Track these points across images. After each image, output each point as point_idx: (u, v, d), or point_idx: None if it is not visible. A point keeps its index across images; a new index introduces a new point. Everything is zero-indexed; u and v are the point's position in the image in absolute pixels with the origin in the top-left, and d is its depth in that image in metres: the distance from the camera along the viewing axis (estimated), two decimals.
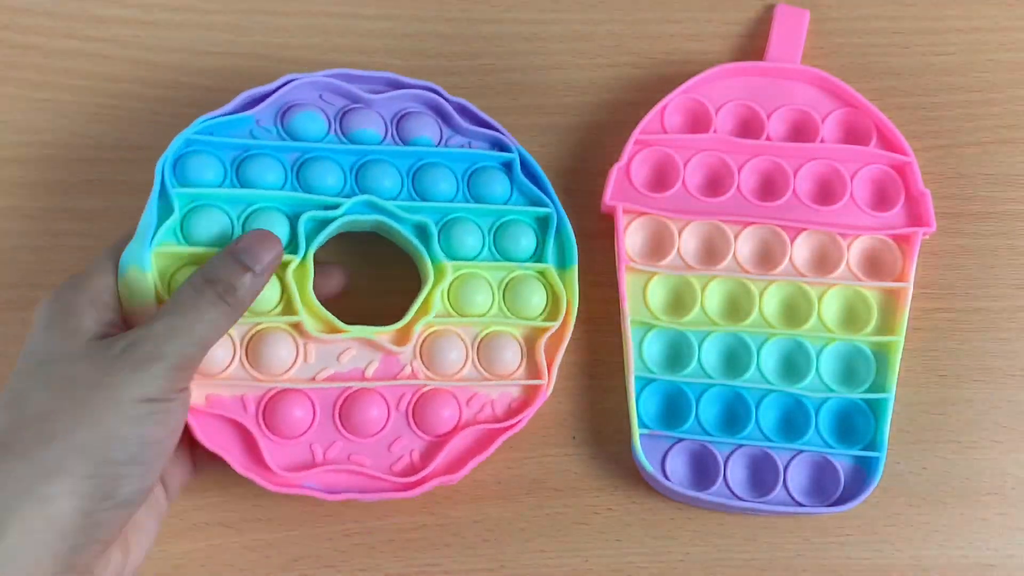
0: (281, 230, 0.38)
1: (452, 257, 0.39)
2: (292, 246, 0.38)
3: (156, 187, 0.37)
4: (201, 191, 0.38)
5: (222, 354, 0.37)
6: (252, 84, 0.44)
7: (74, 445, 0.30)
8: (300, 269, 0.38)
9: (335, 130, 0.40)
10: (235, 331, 0.37)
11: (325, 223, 0.38)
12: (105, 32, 0.44)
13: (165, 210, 0.37)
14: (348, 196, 0.39)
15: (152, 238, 0.36)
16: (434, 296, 0.39)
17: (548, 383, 0.38)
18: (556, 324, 0.39)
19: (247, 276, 0.34)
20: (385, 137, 0.40)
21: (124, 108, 0.44)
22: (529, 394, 0.39)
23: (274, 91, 0.39)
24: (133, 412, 0.31)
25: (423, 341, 0.39)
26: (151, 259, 0.36)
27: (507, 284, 0.40)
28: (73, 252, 0.42)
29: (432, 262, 0.39)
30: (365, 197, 0.39)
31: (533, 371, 0.39)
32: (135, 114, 0.43)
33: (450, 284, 0.39)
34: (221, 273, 0.34)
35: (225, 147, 0.39)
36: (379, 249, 0.41)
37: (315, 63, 0.44)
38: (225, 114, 0.39)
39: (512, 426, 0.38)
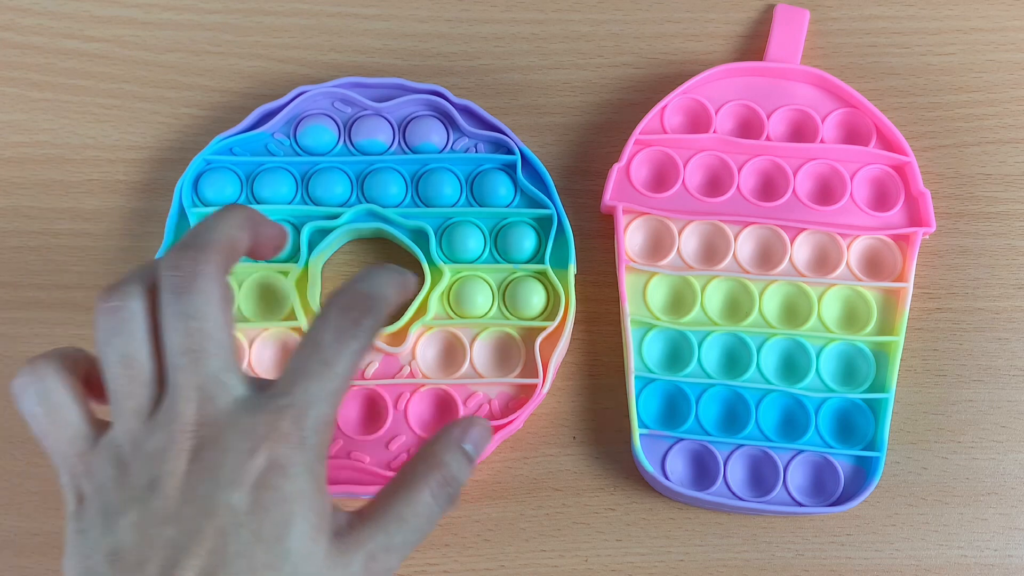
0: (288, 242, 0.39)
1: (453, 260, 0.40)
2: (295, 255, 0.40)
3: (175, 207, 0.40)
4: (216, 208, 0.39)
5: None
6: (252, 84, 0.44)
7: None
8: (301, 277, 0.40)
9: (344, 139, 0.41)
10: (244, 336, 0.39)
11: (326, 232, 0.40)
12: (105, 32, 0.44)
13: (183, 228, 0.40)
14: (354, 205, 0.40)
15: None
16: (431, 299, 0.39)
17: (544, 382, 0.38)
18: (553, 324, 0.39)
19: (470, 470, 0.32)
20: (392, 143, 0.41)
21: (124, 108, 0.44)
22: (526, 393, 0.39)
23: (286, 104, 0.41)
24: None
25: (421, 342, 0.39)
26: None
27: (507, 285, 0.40)
28: (73, 252, 0.42)
29: (429, 265, 0.40)
30: (365, 206, 0.40)
31: (530, 370, 0.39)
32: (135, 114, 0.43)
33: (450, 287, 0.40)
34: (460, 476, 0.31)
35: (242, 163, 0.40)
36: (391, 252, 0.42)
37: (315, 63, 0.44)
38: (242, 131, 0.41)
39: (507, 424, 0.38)
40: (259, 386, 0.30)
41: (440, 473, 0.31)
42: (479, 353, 0.39)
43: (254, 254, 0.33)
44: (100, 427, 0.30)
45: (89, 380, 0.31)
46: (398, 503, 0.30)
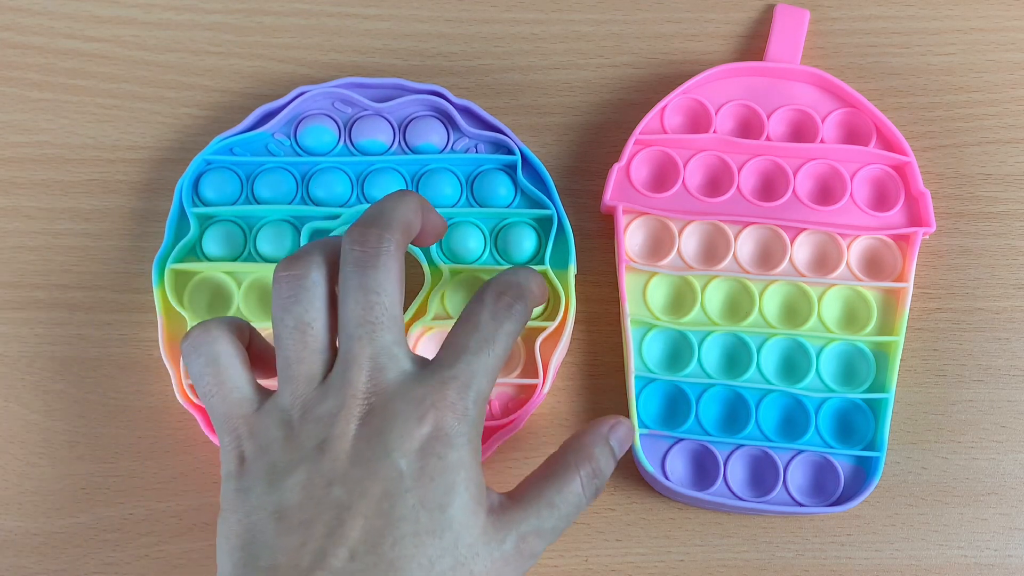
0: (288, 242, 0.40)
1: (453, 261, 0.40)
2: None
3: (175, 206, 0.40)
4: (217, 209, 0.40)
5: None
6: (252, 84, 0.44)
7: None
8: None
9: (344, 139, 0.41)
10: None
11: (326, 232, 0.40)
12: (105, 32, 0.44)
13: (183, 228, 0.40)
14: (354, 205, 0.40)
15: (168, 255, 0.40)
16: (431, 299, 0.39)
17: (544, 382, 0.38)
18: (553, 324, 0.39)
19: (614, 466, 0.34)
20: (392, 144, 0.41)
21: (124, 108, 0.44)
22: (527, 394, 0.39)
23: (286, 105, 0.41)
24: None
25: (421, 342, 0.39)
26: (166, 275, 0.39)
27: None
28: (73, 252, 0.42)
29: (429, 266, 0.40)
30: (365, 206, 0.40)
31: (530, 371, 0.39)
32: (135, 114, 0.43)
33: (449, 287, 0.40)
34: (606, 471, 0.33)
35: (242, 163, 0.40)
36: None
37: (315, 63, 0.44)
38: (242, 131, 0.41)
39: (507, 424, 0.38)
40: (422, 363, 0.31)
41: (590, 465, 0.32)
42: None
43: (418, 241, 0.34)
44: (263, 394, 0.31)
45: (250, 350, 0.33)
46: (549, 490, 0.32)
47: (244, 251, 0.40)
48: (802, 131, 0.42)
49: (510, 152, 0.41)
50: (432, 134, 0.41)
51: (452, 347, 0.31)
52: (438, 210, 0.40)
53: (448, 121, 0.41)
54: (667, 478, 0.38)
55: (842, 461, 0.39)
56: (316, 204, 0.40)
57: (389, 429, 0.29)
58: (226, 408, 0.31)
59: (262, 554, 0.28)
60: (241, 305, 0.39)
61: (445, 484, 0.29)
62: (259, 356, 0.33)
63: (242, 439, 0.30)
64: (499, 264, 0.40)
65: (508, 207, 0.41)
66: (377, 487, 0.29)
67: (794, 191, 0.41)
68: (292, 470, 0.29)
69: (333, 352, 0.31)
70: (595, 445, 0.33)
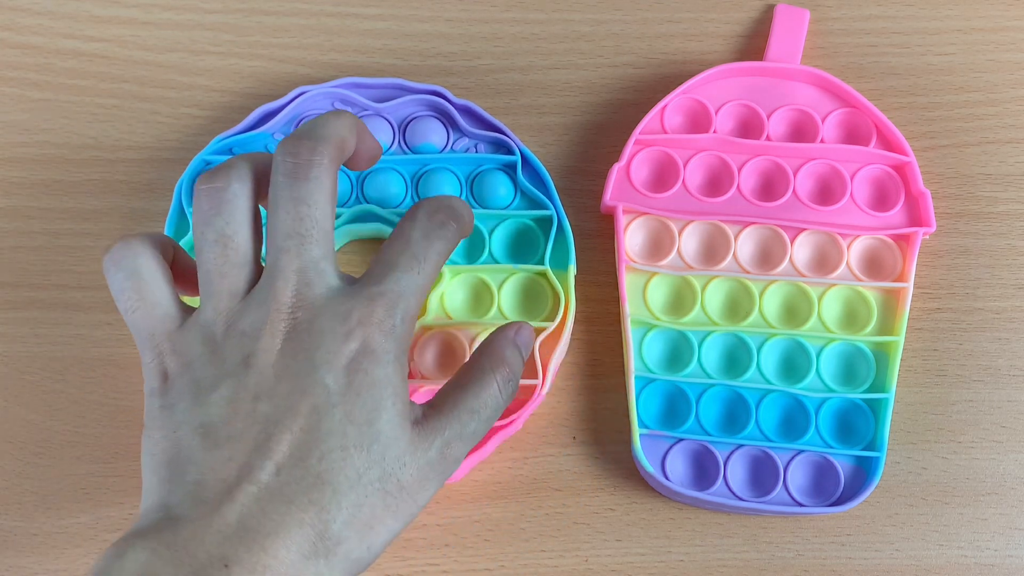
0: None
1: (452, 261, 0.40)
2: None
3: (174, 206, 0.40)
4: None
5: None
6: (252, 84, 0.44)
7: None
8: None
9: None
10: None
11: None
12: (105, 32, 0.44)
13: (182, 228, 0.40)
14: (353, 205, 0.40)
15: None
16: (430, 300, 0.39)
17: (543, 383, 0.38)
18: (553, 324, 0.39)
19: (523, 366, 0.34)
20: (392, 144, 0.41)
21: (124, 108, 0.44)
22: (526, 394, 0.39)
23: (286, 105, 0.41)
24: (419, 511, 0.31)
25: (420, 343, 0.39)
26: None
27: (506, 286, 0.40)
28: (73, 252, 0.42)
29: None
30: (363, 206, 0.40)
31: (530, 371, 0.39)
32: (135, 114, 0.43)
33: (448, 288, 0.40)
34: (518, 372, 0.33)
35: None
36: None
37: (315, 63, 0.44)
38: (242, 131, 0.41)
39: (507, 424, 0.38)
40: (350, 281, 0.31)
41: (505, 368, 0.33)
42: None
43: (352, 162, 0.34)
44: (186, 310, 0.31)
45: (174, 268, 0.32)
46: (468, 397, 0.32)
47: None
48: (802, 131, 0.42)
49: (510, 152, 0.41)
50: (432, 134, 0.41)
51: (382, 263, 0.31)
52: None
53: (448, 121, 0.41)
54: (667, 478, 0.38)
55: (842, 461, 0.39)
56: None
57: (316, 345, 0.29)
58: (148, 324, 0.30)
59: (188, 469, 0.28)
60: None
61: (372, 399, 0.29)
62: (184, 273, 0.32)
63: (164, 355, 0.30)
64: (498, 264, 0.40)
65: (508, 207, 0.41)
66: (304, 402, 0.29)
67: (794, 191, 0.41)
68: (217, 385, 0.29)
69: (258, 268, 0.31)
70: (506, 349, 0.33)
